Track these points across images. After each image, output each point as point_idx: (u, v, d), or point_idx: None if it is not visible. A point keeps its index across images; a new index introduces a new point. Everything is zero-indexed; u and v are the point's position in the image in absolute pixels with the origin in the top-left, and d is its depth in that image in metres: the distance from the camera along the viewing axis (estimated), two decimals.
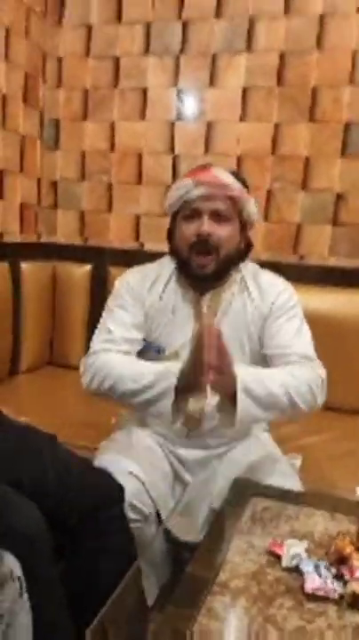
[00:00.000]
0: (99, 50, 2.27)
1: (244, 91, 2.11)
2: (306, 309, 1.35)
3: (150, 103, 2.23)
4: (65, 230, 2.42)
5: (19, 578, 0.84)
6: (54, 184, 2.40)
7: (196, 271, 1.26)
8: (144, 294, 1.32)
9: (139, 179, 2.27)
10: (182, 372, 1.12)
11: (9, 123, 2.13)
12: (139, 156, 2.26)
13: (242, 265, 1.34)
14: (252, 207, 1.28)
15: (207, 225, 1.22)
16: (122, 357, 1.26)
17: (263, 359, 1.31)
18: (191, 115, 2.19)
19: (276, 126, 2.09)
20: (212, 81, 2.14)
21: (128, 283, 1.35)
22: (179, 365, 1.14)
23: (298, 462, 1.44)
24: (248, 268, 1.36)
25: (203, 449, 1.32)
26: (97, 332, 1.33)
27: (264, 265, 1.41)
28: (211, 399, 1.20)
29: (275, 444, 1.41)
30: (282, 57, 2.05)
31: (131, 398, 1.21)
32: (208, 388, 1.11)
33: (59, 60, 2.32)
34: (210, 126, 2.16)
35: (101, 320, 1.34)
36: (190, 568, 0.81)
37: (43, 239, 2.43)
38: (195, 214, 1.24)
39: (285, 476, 1.22)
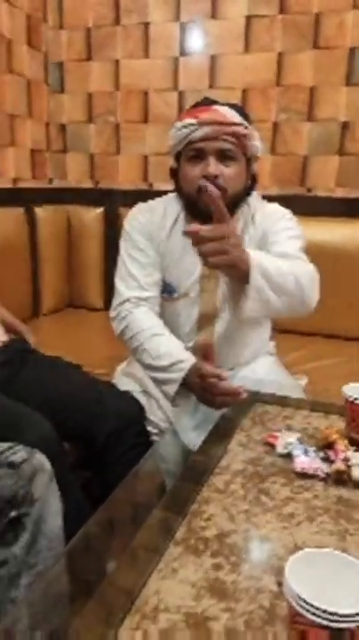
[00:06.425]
0: None
1: (247, 20, 2.08)
2: (314, 241, 1.36)
3: (153, 39, 2.21)
4: (75, 174, 2.46)
5: (49, 470, 0.97)
6: (62, 127, 2.42)
7: (205, 209, 1.18)
8: (153, 230, 1.33)
9: (146, 117, 2.29)
10: (191, 370, 1.14)
11: (15, 67, 2.15)
12: (145, 94, 2.27)
13: (246, 201, 1.32)
14: (258, 141, 1.25)
15: (213, 166, 1.20)
16: (150, 322, 1.27)
17: None
18: (194, 49, 2.17)
19: (280, 55, 2.06)
20: (214, 12, 2.11)
21: (137, 220, 1.35)
22: (193, 361, 1.15)
23: (303, 382, 1.53)
24: (252, 203, 1.33)
25: None
26: (119, 276, 1.34)
27: (272, 199, 1.39)
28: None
29: (281, 365, 1.47)
30: None
31: (145, 367, 1.27)
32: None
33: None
34: (214, 60, 2.15)
35: (120, 264, 1.35)
36: (195, 456, 0.92)
37: (55, 184, 2.48)
38: (199, 155, 1.22)
39: (291, 390, 1.27)
